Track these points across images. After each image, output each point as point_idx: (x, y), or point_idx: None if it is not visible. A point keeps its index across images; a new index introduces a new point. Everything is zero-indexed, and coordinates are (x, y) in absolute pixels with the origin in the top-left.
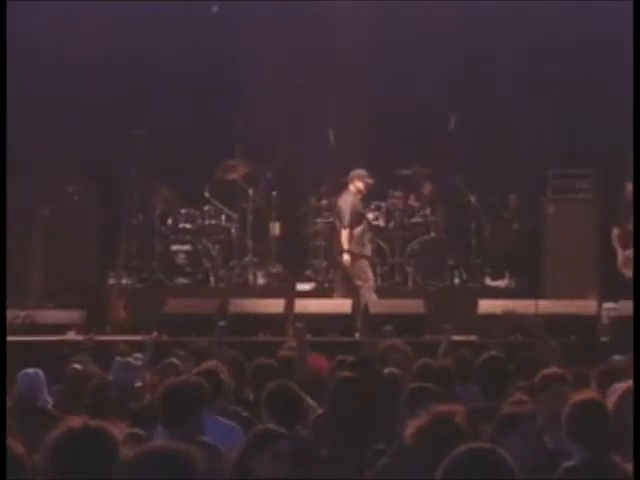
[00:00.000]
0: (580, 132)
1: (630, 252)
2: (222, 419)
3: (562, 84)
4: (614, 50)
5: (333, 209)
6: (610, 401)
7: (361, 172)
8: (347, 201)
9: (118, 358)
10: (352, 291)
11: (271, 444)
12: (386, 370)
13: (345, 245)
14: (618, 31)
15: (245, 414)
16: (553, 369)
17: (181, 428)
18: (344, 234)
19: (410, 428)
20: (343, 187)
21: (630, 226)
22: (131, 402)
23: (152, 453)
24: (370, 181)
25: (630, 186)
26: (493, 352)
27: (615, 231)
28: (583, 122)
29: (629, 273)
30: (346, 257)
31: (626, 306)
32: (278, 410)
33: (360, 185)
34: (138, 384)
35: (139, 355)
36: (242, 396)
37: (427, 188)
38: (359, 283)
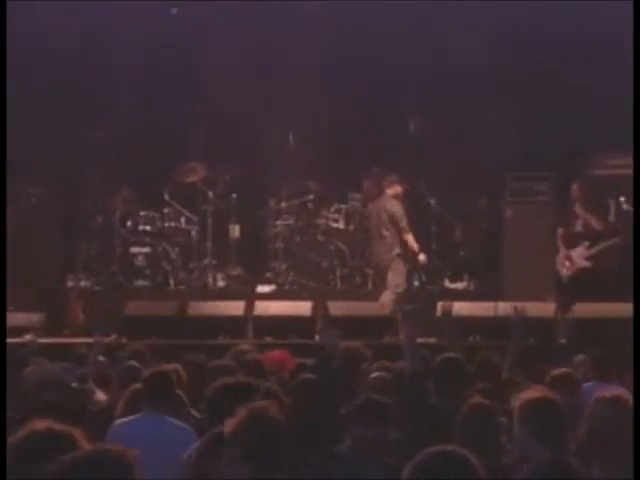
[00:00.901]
0: (540, 134)
1: (571, 252)
2: (175, 421)
3: (522, 86)
4: (576, 51)
5: (293, 211)
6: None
7: (395, 177)
8: (396, 205)
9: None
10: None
11: (224, 448)
12: (373, 375)
13: (415, 247)
14: (580, 32)
15: (200, 417)
16: (563, 369)
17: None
18: (409, 237)
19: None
20: (375, 192)
21: (574, 227)
22: (70, 403)
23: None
24: (401, 186)
25: (575, 186)
26: (451, 354)
27: (560, 231)
28: (543, 124)
29: (565, 272)
30: (422, 257)
31: (584, 308)
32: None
33: (399, 189)
34: (74, 384)
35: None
36: (200, 399)
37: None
38: (392, 285)
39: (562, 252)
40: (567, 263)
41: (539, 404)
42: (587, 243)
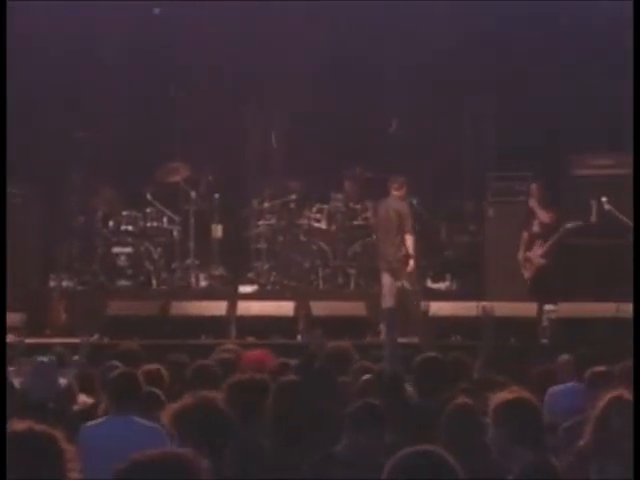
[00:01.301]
0: (520, 134)
1: (529, 253)
2: (143, 421)
3: (502, 86)
4: (554, 51)
5: (275, 211)
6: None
7: (401, 178)
8: (404, 207)
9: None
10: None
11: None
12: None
13: (411, 251)
14: (556, 32)
15: None
16: (601, 368)
17: None
18: (410, 239)
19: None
20: (380, 193)
21: (532, 227)
22: (54, 404)
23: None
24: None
25: (534, 186)
26: (432, 353)
27: (525, 234)
28: (524, 124)
29: (527, 274)
30: (412, 263)
31: (566, 308)
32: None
33: (404, 191)
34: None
35: (76, 357)
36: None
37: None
38: (407, 286)
39: (521, 253)
40: (527, 264)
41: (514, 405)
42: (540, 242)
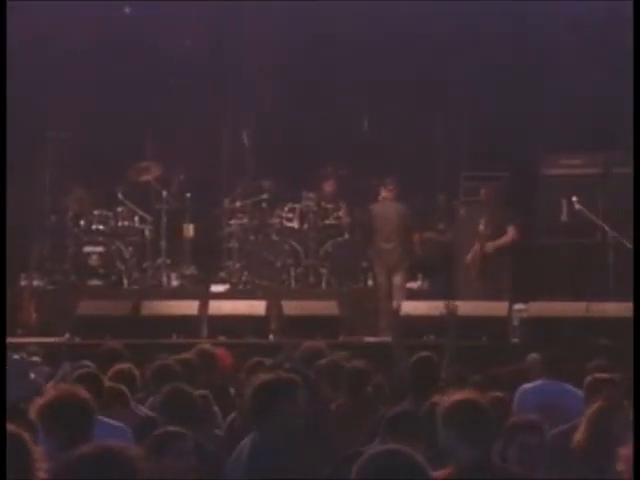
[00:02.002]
0: (492, 133)
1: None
2: (109, 420)
3: (474, 85)
4: (529, 50)
5: (247, 211)
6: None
7: (392, 180)
8: (404, 208)
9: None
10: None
11: (174, 443)
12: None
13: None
14: (533, 31)
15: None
16: (603, 375)
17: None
18: (417, 238)
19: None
20: (370, 195)
21: (483, 228)
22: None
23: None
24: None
25: (483, 191)
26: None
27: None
28: (495, 123)
29: (475, 271)
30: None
31: (536, 307)
32: (173, 414)
33: (396, 193)
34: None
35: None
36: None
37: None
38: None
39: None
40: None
41: (463, 406)
42: (485, 243)
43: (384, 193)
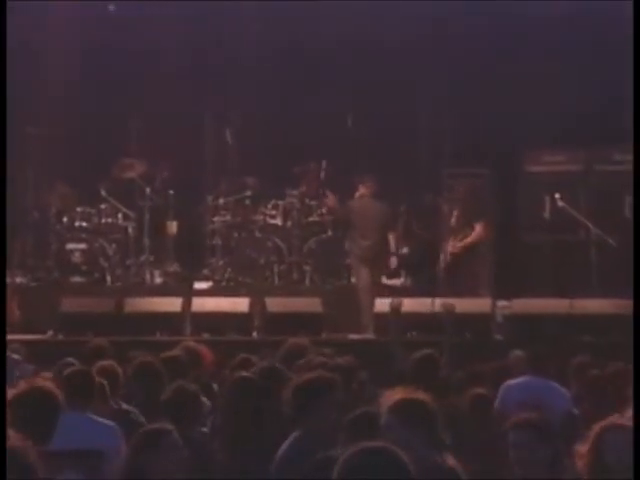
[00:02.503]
0: (476, 131)
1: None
2: (97, 418)
3: (458, 83)
4: (511, 48)
5: (230, 208)
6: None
7: (370, 177)
8: (384, 205)
9: None
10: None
11: (161, 439)
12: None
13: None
14: (515, 29)
15: (134, 412)
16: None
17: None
18: (395, 236)
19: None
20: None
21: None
22: None
23: None
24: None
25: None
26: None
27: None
28: (479, 120)
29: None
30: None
31: (519, 304)
32: (174, 412)
33: (373, 189)
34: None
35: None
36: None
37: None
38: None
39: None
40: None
41: (409, 404)
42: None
43: (362, 190)
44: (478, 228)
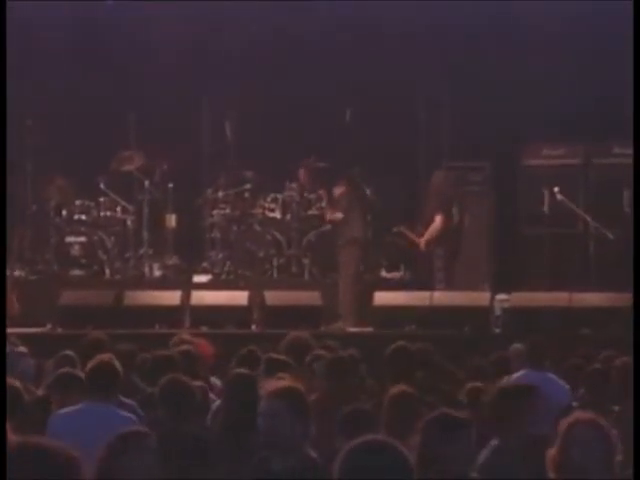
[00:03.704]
0: (475, 124)
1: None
2: (119, 411)
3: (458, 76)
4: (511, 42)
5: (230, 201)
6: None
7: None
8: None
9: None
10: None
11: (135, 442)
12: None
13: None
14: (515, 23)
15: (137, 407)
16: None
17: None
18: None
19: None
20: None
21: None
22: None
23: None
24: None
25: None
26: (401, 342)
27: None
28: (478, 114)
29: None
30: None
31: (518, 297)
32: (172, 404)
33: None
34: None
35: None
36: (134, 389)
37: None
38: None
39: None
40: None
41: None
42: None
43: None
44: (438, 220)
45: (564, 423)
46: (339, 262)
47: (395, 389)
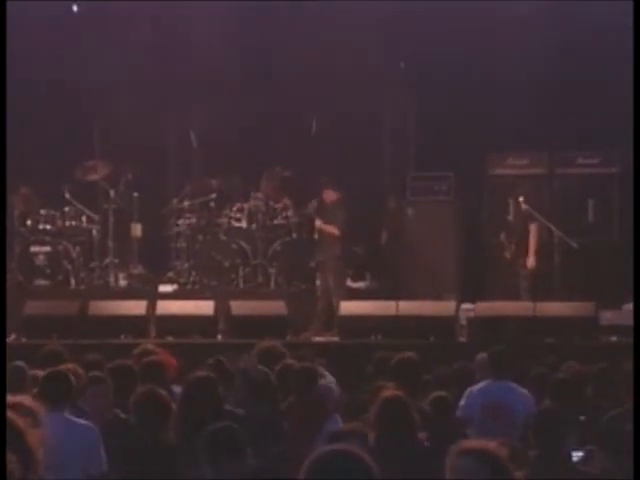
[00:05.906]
0: (439, 133)
1: None
2: (76, 419)
3: (423, 85)
4: (478, 49)
5: (195, 210)
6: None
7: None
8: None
9: None
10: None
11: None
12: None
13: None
14: (482, 30)
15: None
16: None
17: None
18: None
19: None
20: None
21: None
22: None
23: None
24: None
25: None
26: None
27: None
28: (442, 123)
29: None
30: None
31: (483, 307)
32: (146, 414)
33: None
34: None
35: None
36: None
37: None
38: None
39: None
40: None
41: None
42: None
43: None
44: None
45: (452, 451)
46: (324, 275)
47: (387, 392)
